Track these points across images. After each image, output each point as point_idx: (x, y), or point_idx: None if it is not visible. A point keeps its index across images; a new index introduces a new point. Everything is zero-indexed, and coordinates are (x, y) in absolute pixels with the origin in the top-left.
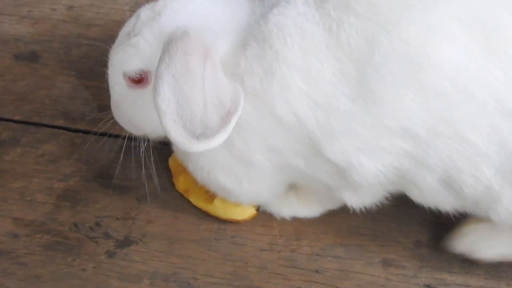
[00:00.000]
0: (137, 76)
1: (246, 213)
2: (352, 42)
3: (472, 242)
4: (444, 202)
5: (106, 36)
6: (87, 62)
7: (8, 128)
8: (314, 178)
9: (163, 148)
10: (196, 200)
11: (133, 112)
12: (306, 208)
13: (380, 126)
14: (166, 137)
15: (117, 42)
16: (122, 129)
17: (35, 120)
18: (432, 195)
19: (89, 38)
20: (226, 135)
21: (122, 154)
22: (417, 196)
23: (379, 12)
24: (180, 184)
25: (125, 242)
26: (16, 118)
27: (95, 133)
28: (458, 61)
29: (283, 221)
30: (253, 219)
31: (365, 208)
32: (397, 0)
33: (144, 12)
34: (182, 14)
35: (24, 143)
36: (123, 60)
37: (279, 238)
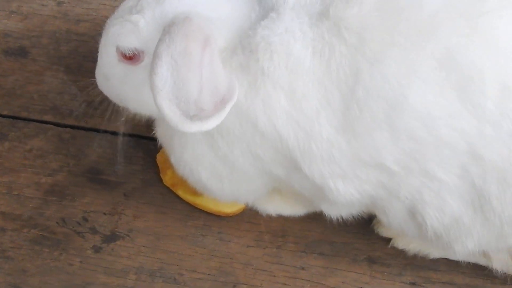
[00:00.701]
0: (130, 53)
1: (235, 206)
2: (341, 72)
3: (395, 232)
4: (410, 231)
5: (95, 32)
6: (76, 57)
7: None
8: (293, 188)
9: (150, 144)
10: (185, 193)
11: (119, 85)
12: (290, 207)
13: (358, 157)
14: (146, 116)
15: (116, 13)
16: (110, 124)
17: (23, 115)
18: (399, 223)
19: (78, 33)
20: (219, 120)
21: (110, 149)
22: (385, 221)
23: (366, 44)
24: (168, 178)
25: (112, 237)
26: (4, 113)
27: (83, 128)
28: (432, 104)
29: (269, 217)
30: (239, 215)
31: (342, 218)
32: (383, 34)
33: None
34: (186, 2)
35: (12, 138)
36: (120, 34)
37: (265, 235)
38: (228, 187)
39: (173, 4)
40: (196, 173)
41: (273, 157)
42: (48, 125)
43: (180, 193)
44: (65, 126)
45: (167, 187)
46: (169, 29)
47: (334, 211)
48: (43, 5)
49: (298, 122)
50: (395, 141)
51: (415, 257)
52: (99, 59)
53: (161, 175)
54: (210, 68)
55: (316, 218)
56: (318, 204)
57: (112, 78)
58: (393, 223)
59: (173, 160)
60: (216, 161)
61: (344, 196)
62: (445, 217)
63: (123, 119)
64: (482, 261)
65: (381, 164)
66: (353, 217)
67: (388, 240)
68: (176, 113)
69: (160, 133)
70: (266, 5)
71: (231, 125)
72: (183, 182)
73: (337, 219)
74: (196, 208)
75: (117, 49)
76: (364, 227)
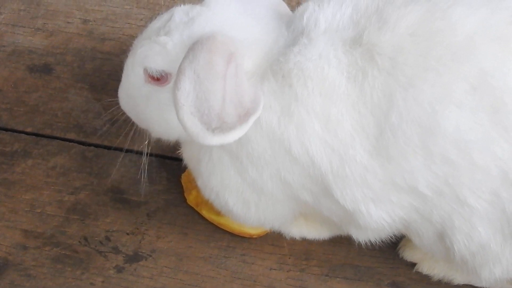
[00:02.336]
0: (158, 74)
1: (259, 227)
2: (375, 96)
3: (420, 257)
4: (439, 253)
5: (120, 51)
6: (101, 75)
7: (19, 139)
8: (320, 213)
9: (174, 164)
10: (209, 213)
11: (144, 106)
12: (315, 231)
13: (391, 181)
14: (168, 139)
15: (145, 33)
16: (134, 144)
17: (47, 132)
18: (430, 244)
19: (103, 52)
20: (242, 133)
21: (133, 169)
22: (417, 242)
23: (399, 68)
24: (192, 197)
25: (134, 257)
26: (28, 130)
27: (107, 147)
28: (465, 128)
29: (293, 240)
30: (263, 238)
31: (370, 242)
32: (417, 58)
33: (179, 14)
34: (214, 24)
35: (35, 155)
36: (148, 55)
37: (289, 258)
38: (255, 212)
39: (201, 25)
40: (223, 198)
41: (302, 182)
42: (72, 143)
43: (204, 212)
44: (89, 144)
45: (190, 208)
46: (193, 46)
47: (362, 236)
48: (68, 22)
49: (332, 147)
50: (429, 165)
51: (439, 283)
52: (124, 79)
53: (185, 195)
54: (234, 81)
55: (340, 241)
56: (346, 228)
57: (137, 98)
58: (426, 245)
59: (200, 184)
60: (243, 187)
61: (376, 221)
62: (473, 243)
63: (146, 141)
64: None
65: (414, 188)
66: (381, 241)
67: (412, 265)
68: (198, 126)
69: (187, 156)
70: (295, 29)
71: (262, 150)
72: (207, 202)
73: (363, 243)
74: (219, 229)
75: (145, 70)
76: (388, 251)
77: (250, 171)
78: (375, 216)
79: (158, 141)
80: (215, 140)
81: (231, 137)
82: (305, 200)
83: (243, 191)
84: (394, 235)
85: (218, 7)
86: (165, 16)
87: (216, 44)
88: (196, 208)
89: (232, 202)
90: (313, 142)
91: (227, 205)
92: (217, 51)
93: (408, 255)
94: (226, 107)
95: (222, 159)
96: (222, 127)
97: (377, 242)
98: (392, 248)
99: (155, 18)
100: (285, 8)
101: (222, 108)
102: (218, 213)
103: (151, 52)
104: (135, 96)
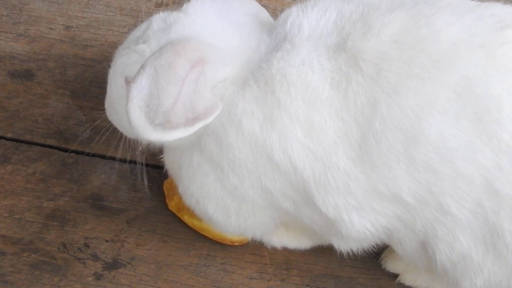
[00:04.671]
0: None
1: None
2: (358, 102)
3: (402, 268)
4: (421, 263)
5: (102, 57)
6: (82, 82)
7: None
8: (301, 222)
9: (155, 171)
10: (190, 218)
11: None
12: (296, 240)
13: (374, 189)
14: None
15: (124, 43)
16: (114, 151)
17: (27, 138)
18: (412, 254)
19: (85, 58)
20: (182, 134)
21: (114, 176)
22: (399, 251)
23: (383, 74)
24: (174, 203)
25: (113, 265)
26: (8, 135)
27: (87, 154)
28: (448, 136)
29: (274, 249)
30: (243, 246)
31: (352, 252)
32: (401, 65)
33: (157, 22)
34: (192, 29)
35: (15, 161)
36: (127, 65)
37: (269, 267)
38: (235, 220)
39: (178, 31)
40: (203, 205)
41: (284, 190)
42: (52, 149)
43: (186, 218)
44: (69, 151)
45: (171, 216)
46: (163, 45)
47: (344, 245)
48: (50, 28)
49: (315, 154)
50: (412, 173)
51: None
52: (108, 89)
53: (166, 201)
54: (193, 85)
55: (321, 251)
56: (327, 238)
57: (121, 107)
58: (407, 254)
59: (180, 190)
60: (224, 194)
61: (358, 230)
62: (454, 253)
63: (140, 148)
64: None
65: (397, 196)
66: (363, 251)
67: (395, 276)
68: (141, 120)
69: (168, 161)
70: (278, 35)
71: (244, 158)
72: (189, 208)
73: (345, 253)
74: (199, 237)
75: (126, 79)
76: (370, 262)
77: (231, 179)
78: (357, 224)
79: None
80: (154, 135)
81: (170, 135)
82: (286, 208)
83: (223, 198)
84: (376, 246)
85: (196, 13)
86: (143, 26)
87: (185, 48)
88: (177, 214)
89: (212, 209)
90: (296, 149)
91: (207, 212)
92: (185, 54)
93: (390, 266)
94: (175, 108)
95: (201, 166)
96: (164, 125)
97: (359, 252)
98: (374, 258)
99: (137, 26)
100: (265, 15)
101: (171, 108)
102: (199, 218)
103: (130, 61)
104: (118, 105)
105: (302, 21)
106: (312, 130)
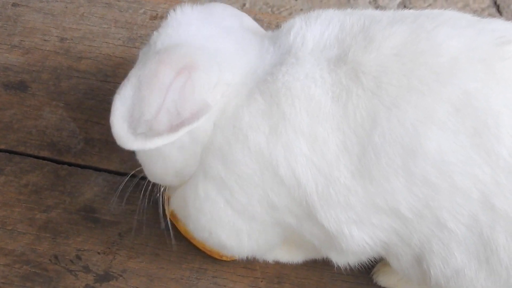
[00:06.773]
0: None
1: None
2: (358, 115)
3: (394, 282)
4: (415, 277)
5: (97, 70)
6: (76, 94)
7: None
8: (302, 237)
9: (147, 184)
10: (185, 226)
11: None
12: (288, 254)
13: (372, 202)
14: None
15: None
16: (108, 163)
17: (20, 149)
18: (407, 268)
19: (79, 70)
20: (166, 141)
21: (106, 188)
22: (395, 265)
23: (383, 87)
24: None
25: (105, 277)
26: (1, 147)
27: (80, 166)
28: (446, 150)
29: (266, 263)
30: (235, 260)
31: (349, 265)
32: (401, 79)
33: (142, 51)
34: (177, 37)
35: (8, 172)
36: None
37: (261, 281)
38: (247, 242)
39: (164, 43)
40: (215, 235)
41: (287, 204)
42: (45, 161)
43: (180, 224)
44: (62, 163)
45: (163, 230)
46: (149, 56)
47: (342, 260)
48: (45, 40)
49: (319, 168)
50: (410, 187)
51: None
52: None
53: (165, 206)
54: (179, 92)
55: (313, 265)
56: (326, 252)
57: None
58: (403, 268)
59: (191, 227)
60: (235, 218)
61: (358, 243)
62: (448, 268)
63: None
64: None
65: (395, 210)
66: (361, 265)
67: None
68: (124, 130)
69: (175, 205)
70: (282, 46)
71: (252, 172)
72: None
73: (339, 267)
74: (191, 251)
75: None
76: (362, 277)
77: (240, 197)
78: (357, 238)
79: (133, 160)
80: (136, 144)
81: (152, 143)
82: (289, 223)
83: (234, 222)
84: (369, 260)
85: (178, 21)
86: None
87: (170, 55)
88: (172, 220)
89: (225, 236)
90: (300, 163)
91: (220, 241)
92: (169, 62)
93: (382, 280)
94: (159, 116)
95: (208, 194)
96: (146, 134)
97: (356, 266)
98: (366, 273)
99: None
100: (249, 19)
101: (154, 117)
102: None
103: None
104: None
105: (305, 34)
106: (315, 144)
